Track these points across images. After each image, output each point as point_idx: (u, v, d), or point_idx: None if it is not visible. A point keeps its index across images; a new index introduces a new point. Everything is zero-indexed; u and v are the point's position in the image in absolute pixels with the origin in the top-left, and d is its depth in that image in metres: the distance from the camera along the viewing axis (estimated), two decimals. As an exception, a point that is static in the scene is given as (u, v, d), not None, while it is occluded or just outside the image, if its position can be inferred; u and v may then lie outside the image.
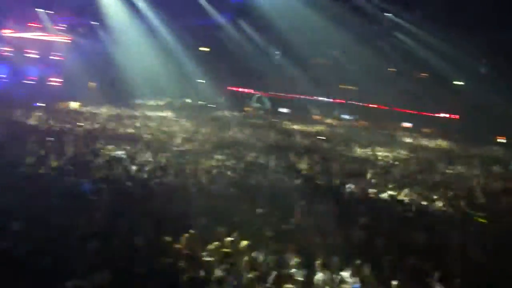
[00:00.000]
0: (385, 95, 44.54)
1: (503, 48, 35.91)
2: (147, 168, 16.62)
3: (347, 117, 51.66)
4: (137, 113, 37.33)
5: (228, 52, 47.02)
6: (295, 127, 41.25)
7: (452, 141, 39.53)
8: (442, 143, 39.36)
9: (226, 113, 45.24)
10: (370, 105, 49.10)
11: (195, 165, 18.12)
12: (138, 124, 30.23)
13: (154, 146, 21.68)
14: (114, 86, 40.50)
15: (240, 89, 54.49)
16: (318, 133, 37.02)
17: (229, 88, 52.96)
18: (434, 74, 42.83)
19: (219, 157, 20.68)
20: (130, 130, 27.09)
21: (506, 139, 41.66)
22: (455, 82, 43.28)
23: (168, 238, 9.65)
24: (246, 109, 53.14)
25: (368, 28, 42.05)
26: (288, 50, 45.61)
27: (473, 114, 39.55)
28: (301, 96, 51.83)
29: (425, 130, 46.26)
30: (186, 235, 9.87)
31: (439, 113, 45.97)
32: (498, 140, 41.81)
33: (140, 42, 42.72)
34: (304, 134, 35.90)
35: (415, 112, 46.75)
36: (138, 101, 44.22)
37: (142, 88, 43.00)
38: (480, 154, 33.03)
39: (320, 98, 51.56)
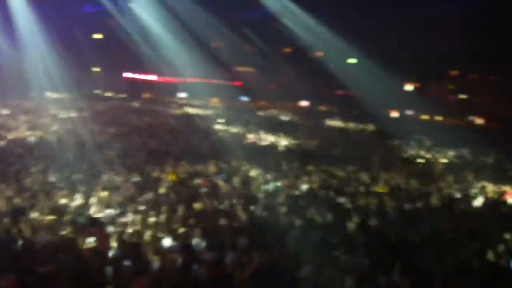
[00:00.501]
0: (282, 76, 44.72)
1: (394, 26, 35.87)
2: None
3: (244, 98, 50.49)
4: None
5: (123, 39, 45.57)
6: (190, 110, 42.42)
7: (348, 119, 39.39)
8: (337, 122, 38.91)
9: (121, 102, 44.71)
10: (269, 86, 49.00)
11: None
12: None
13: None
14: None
15: (138, 76, 53.56)
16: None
17: (126, 75, 51.30)
18: (328, 53, 42.22)
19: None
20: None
21: (399, 113, 43.37)
22: (349, 61, 43.45)
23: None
24: (144, 96, 52.39)
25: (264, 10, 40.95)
26: (184, 34, 44.23)
27: (367, 90, 39.28)
28: (199, 80, 51.09)
29: (322, 108, 46.50)
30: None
31: (336, 90, 45.97)
32: (392, 114, 41.97)
33: (33, 34, 39.60)
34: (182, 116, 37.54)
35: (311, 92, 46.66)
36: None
37: (39, 81, 41.06)
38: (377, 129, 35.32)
39: (219, 81, 50.54)
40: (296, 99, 49.45)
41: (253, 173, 19.21)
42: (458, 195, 18.40)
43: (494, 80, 43.48)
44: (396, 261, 9.72)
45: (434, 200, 16.70)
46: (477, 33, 34.73)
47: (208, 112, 42.22)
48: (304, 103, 49.21)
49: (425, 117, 43.13)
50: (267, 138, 29.34)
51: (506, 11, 32.55)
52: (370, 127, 37.65)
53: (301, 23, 40.79)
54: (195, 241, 10.69)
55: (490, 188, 20.00)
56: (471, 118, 43.31)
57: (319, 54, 45.45)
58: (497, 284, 9.63)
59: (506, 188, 20.06)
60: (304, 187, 17.29)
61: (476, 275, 9.96)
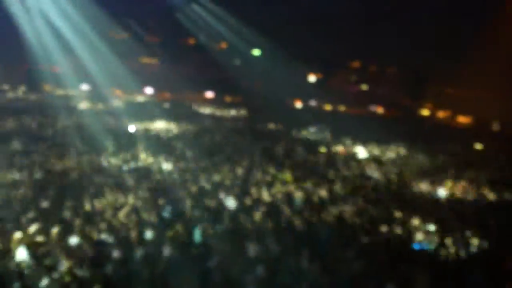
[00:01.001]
0: (186, 67, 44.06)
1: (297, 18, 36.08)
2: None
3: (150, 90, 49.14)
4: None
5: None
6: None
7: (252, 109, 39.48)
8: (242, 112, 38.87)
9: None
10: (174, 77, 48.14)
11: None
12: None
13: None
14: None
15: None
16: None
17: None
18: (232, 44, 42.25)
19: None
20: None
21: (302, 102, 43.43)
22: (253, 52, 43.48)
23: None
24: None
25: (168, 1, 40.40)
26: (85, 26, 42.20)
27: (272, 81, 39.58)
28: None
29: (227, 99, 46.35)
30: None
31: (241, 81, 45.84)
32: (296, 105, 42.61)
33: None
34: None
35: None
36: None
37: None
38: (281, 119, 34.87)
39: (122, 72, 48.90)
40: (201, 90, 49.06)
41: (160, 163, 18.95)
42: (360, 182, 18.91)
43: (392, 71, 45.10)
44: (303, 248, 9.86)
45: (338, 188, 17.03)
46: (376, 26, 35.88)
47: (113, 104, 41.06)
48: (209, 94, 48.90)
49: (328, 107, 44.04)
50: (174, 130, 28.93)
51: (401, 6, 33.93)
52: (274, 117, 37.99)
53: (206, 14, 40.50)
54: (103, 237, 10.37)
55: (393, 174, 20.72)
56: (372, 107, 44.67)
57: (224, 45, 45.35)
58: (398, 265, 9.94)
59: (408, 175, 20.88)
60: (216, 178, 17.20)
61: (378, 258, 10.26)
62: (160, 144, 23.44)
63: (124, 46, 44.69)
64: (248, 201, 14.39)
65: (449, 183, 19.79)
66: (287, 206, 14.12)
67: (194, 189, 15.37)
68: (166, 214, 12.63)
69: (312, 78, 45.08)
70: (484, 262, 11.23)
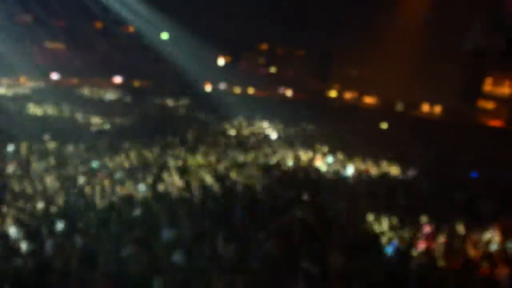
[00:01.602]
0: (93, 51, 42.70)
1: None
2: None
3: (57, 76, 47.56)
4: None
5: None
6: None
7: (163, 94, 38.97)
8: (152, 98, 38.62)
9: None
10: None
11: None
12: None
13: None
14: None
15: None
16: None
17: None
18: (139, 28, 41.48)
19: None
20: None
21: (212, 85, 43.24)
22: (162, 36, 42.80)
23: None
24: None
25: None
26: None
27: (181, 65, 39.19)
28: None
29: (136, 83, 45.34)
30: None
31: (150, 65, 45.03)
32: (206, 88, 42.24)
33: None
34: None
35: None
36: None
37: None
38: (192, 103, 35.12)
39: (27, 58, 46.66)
40: (110, 76, 47.79)
41: (68, 152, 18.35)
42: (273, 162, 19.15)
43: (300, 54, 45.75)
44: (219, 230, 9.86)
45: (252, 169, 17.15)
46: (284, 8, 36.24)
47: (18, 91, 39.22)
48: (118, 80, 47.72)
49: (237, 90, 44.13)
50: (84, 118, 28.09)
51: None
52: (185, 101, 37.66)
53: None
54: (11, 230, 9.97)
55: (302, 154, 21.08)
56: (281, 90, 45.16)
57: (131, 29, 44.43)
58: (314, 244, 10.12)
59: (313, 154, 21.32)
60: (125, 164, 16.89)
61: (295, 237, 10.43)
62: (68, 132, 22.75)
63: (28, 31, 42.90)
64: (160, 187, 14.24)
65: (356, 161, 20.39)
66: (200, 189, 14.08)
67: (103, 177, 15.00)
68: (76, 203, 12.28)
69: (221, 61, 44.97)
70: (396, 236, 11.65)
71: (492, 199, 15.58)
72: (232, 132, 26.20)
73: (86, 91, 41.04)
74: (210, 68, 41.07)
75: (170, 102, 37.20)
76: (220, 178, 15.70)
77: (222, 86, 44.30)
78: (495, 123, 36.65)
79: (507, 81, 37.05)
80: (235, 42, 40.73)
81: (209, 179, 15.30)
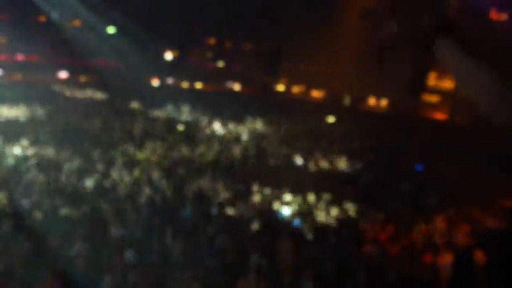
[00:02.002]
0: (38, 45, 41.44)
1: None
2: None
3: None
4: None
5: None
6: None
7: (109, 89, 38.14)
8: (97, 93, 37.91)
9: None
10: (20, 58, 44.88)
11: None
12: None
13: None
14: None
15: None
16: None
17: None
18: (86, 22, 40.53)
19: None
20: None
21: (160, 80, 42.82)
22: (108, 30, 41.98)
23: None
24: None
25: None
26: None
27: (128, 59, 38.49)
28: None
29: (82, 78, 44.36)
30: None
31: (96, 60, 44.03)
32: (153, 83, 41.69)
33: None
34: None
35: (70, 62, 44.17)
36: None
37: None
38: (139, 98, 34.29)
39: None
40: (54, 71, 46.57)
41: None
42: (221, 157, 19.09)
43: (248, 48, 45.69)
44: (167, 227, 9.78)
45: (200, 164, 17.03)
46: (231, 2, 36.14)
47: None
48: (63, 75, 46.57)
49: (185, 85, 43.74)
50: (26, 112, 27.33)
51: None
52: (132, 96, 37.10)
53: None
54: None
55: (251, 148, 21.08)
56: (229, 84, 45.04)
57: (77, 22, 43.46)
58: (262, 236, 10.13)
59: (261, 147, 21.39)
60: (74, 161, 16.44)
61: (242, 231, 10.41)
62: (10, 128, 22.06)
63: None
64: (108, 183, 13.97)
65: (304, 154, 20.52)
66: (148, 185, 13.88)
67: (52, 173, 14.59)
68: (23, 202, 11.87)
69: (168, 55, 44.49)
70: (344, 227, 11.76)
71: (436, 190, 15.93)
72: (180, 128, 25.93)
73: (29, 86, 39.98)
74: (157, 63, 40.55)
75: (117, 97, 36.58)
76: (168, 174, 15.51)
77: (170, 80, 43.83)
78: (439, 116, 37.55)
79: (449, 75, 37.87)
80: (182, 36, 40.34)
81: (157, 175, 15.09)
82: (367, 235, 11.28)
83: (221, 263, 8.86)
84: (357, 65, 35.91)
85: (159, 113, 30.04)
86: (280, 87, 44.55)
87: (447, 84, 38.14)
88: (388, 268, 9.17)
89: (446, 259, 9.43)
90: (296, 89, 44.30)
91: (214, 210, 12.23)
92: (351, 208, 13.47)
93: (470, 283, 6.76)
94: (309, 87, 43.32)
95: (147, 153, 18.44)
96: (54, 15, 42.03)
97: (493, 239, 8.19)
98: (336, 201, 13.89)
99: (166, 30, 37.58)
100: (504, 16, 30.45)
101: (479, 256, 8.52)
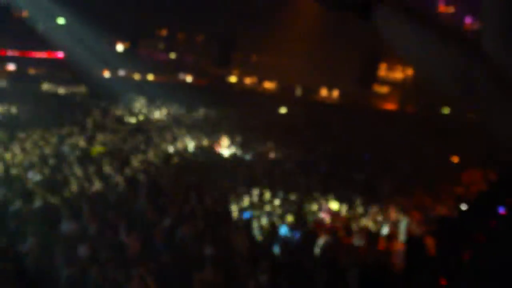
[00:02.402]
0: None
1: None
2: None
3: None
4: None
5: None
6: None
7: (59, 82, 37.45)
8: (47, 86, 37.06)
9: None
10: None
11: None
12: None
13: None
14: None
15: None
16: None
17: None
18: (34, 13, 39.60)
19: None
20: None
21: (110, 71, 42.30)
22: (58, 21, 41.07)
23: None
24: None
25: None
26: None
27: (78, 51, 37.83)
28: None
29: (31, 70, 43.46)
30: None
31: (46, 52, 43.01)
32: (104, 75, 41.21)
33: None
34: None
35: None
36: None
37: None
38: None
39: None
40: (2, 63, 45.26)
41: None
42: (174, 149, 18.98)
43: (200, 39, 45.42)
44: (122, 222, 9.69)
45: (152, 157, 16.89)
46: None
47: None
48: (10, 67, 45.32)
49: (137, 76, 43.19)
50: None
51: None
52: (83, 89, 36.43)
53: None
54: None
55: (205, 141, 21.02)
56: (181, 76, 44.71)
57: (25, 14, 42.34)
58: (217, 226, 10.13)
59: (215, 140, 21.33)
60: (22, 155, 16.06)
61: (197, 222, 10.37)
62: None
63: None
64: (59, 177, 13.70)
65: (256, 145, 20.61)
66: (100, 179, 13.70)
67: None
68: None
69: (119, 47, 43.81)
70: (299, 217, 11.86)
71: (387, 179, 16.23)
72: (132, 120, 25.64)
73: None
74: (108, 55, 39.85)
75: (66, 90, 35.94)
76: (121, 166, 15.32)
77: (121, 72, 43.20)
78: (390, 106, 38.28)
79: (399, 66, 38.77)
80: (133, 28, 39.77)
81: (109, 168, 14.89)
82: (321, 224, 11.41)
83: (177, 257, 8.81)
84: (309, 57, 36.18)
85: (111, 106, 29.58)
86: (232, 79, 44.51)
87: (397, 74, 38.93)
88: (342, 257, 9.29)
89: (399, 247, 9.63)
90: (248, 81, 44.35)
91: (168, 203, 12.16)
92: (305, 198, 13.60)
93: (422, 269, 6.93)
94: (261, 79, 43.45)
95: (98, 146, 18.16)
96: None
97: (444, 226, 8.40)
98: (290, 191, 13.99)
99: (117, 21, 36.97)
100: (451, 10, 31.15)
101: (430, 242, 8.73)
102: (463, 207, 12.15)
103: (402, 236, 10.02)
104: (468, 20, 29.38)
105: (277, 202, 13.05)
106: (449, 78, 1.29)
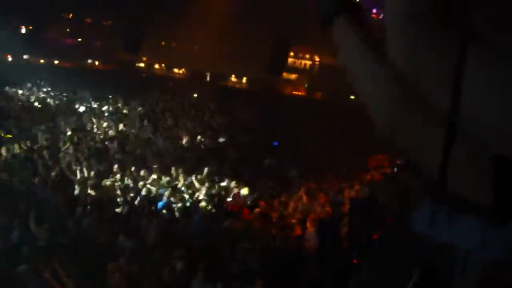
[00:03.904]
0: None
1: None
2: None
3: None
4: None
5: None
6: None
7: None
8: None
9: None
10: None
11: None
12: None
13: None
14: None
15: None
16: None
17: None
18: None
19: None
20: None
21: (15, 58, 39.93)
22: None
23: None
24: None
25: None
26: None
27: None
28: None
29: None
30: None
31: None
32: (7, 58, 39.46)
33: None
34: None
35: None
36: None
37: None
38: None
39: None
40: None
41: None
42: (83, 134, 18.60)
43: (108, 24, 44.38)
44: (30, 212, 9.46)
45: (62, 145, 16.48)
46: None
47: None
48: None
49: (42, 60, 41.58)
50: None
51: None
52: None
53: None
54: None
55: (113, 125, 20.71)
56: (88, 61, 43.56)
57: None
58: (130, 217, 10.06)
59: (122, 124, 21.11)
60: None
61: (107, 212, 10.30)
62: None
63: None
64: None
65: (166, 132, 20.52)
66: (7, 169, 13.27)
67: None
68: None
69: (23, 30, 41.95)
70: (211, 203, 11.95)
71: (297, 165, 16.59)
72: (38, 105, 24.76)
73: None
74: (11, 38, 38.02)
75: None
76: (28, 156, 14.85)
77: (25, 56, 41.42)
78: (298, 92, 39.15)
79: (306, 54, 39.66)
80: (38, 11, 38.11)
81: (16, 158, 14.39)
82: (232, 209, 11.53)
83: (89, 247, 8.72)
84: (218, 44, 36.30)
85: (14, 92, 28.35)
86: (141, 64, 43.91)
87: (305, 62, 39.80)
88: (252, 241, 9.43)
89: (310, 230, 9.89)
90: (157, 66, 43.91)
91: (78, 193, 11.94)
92: (215, 183, 13.69)
93: (334, 251, 7.20)
94: (170, 65, 43.14)
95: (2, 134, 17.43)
96: None
97: (354, 208, 8.71)
98: (201, 177, 14.04)
99: (20, 4, 35.37)
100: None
101: (340, 225, 9.03)
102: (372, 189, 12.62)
103: (312, 219, 10.29)
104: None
105: (189, 188, 13.07)
106: (382, 103, 1.38)
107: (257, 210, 11.40)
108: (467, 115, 1.19)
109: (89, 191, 12.03)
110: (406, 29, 1.27)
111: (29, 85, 30.44)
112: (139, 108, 25.97)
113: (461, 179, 1.28)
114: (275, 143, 21.66)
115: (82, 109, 25.00)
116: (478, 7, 1.22)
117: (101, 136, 19.15)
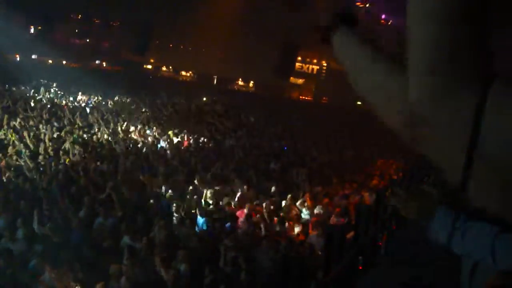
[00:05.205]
0: None
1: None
2: None
3: None
4: None
5: None
6: None
7: None
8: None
9: None
10: None
11: None
12: None
13: None
14: None
15: None
16: None
17: None
18: None
19: None
20: None
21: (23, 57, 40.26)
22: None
23: None
24: None
25: None
26: None
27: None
28: None
29: None
30: None
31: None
32: (15, 58, 39.47)
33: None
34: None
35: None
36: None
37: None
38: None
39: None
40: None
41: None
42: (89, 136, 18.59)
43: (116, 25, 44.49)
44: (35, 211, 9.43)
45: (67, 144, 16.45)
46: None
47: None
48: None
49: (50, 61, 41.69)
50: None
51: None
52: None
53: None
54: None
55: (119, 127, 20.71)
56: (97, 62, 43.68)
57: None
58: (136, 219, 10.05)
59: (129, 126, 21.15)
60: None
61: (113, 212, 10.28)
62: None
63: None
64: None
65: (172, 133, 20.55)
66: (12, 168, 13.29)
67: None
68: None
69: (32, 31, 42.06)
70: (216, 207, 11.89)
71: (302, 169, 16.54)
72: (46, 104, 24.77)
73: None
74: (20, 38, 38.05)
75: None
76: (34, 155, 14.82)
77: (34, 56, 41.54)
78: (304, 96, 39.20)
79: (314, 59, 39.70)
80: (47, 11, 38.18)
81: (21, 156, 14.38)
82: (238, 214, 11.48)
83: (94, 247, 8.70)
84: (226, 48, 36.39)
85: (22, 91, 28.38)
86: (148, 66, 44.03)
87: (312, 67, 39.82)
88: (259, 247, 9.38)
89: (316, 235, 9.85)
90: (165, 69, 44.00)
91: (84, 193, 11.90)
92: (222, 187, 13.62)
93: (340, 256, 7.17)
94: (178, 67, 43.24)
95: (9, 133, 17.40)
96: None
97: (360, 214, 8.69)
98: (208, 180, 14.00)
99: (30, 4, 35.45)
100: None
101: (347, 230, 9.00)
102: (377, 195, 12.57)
103: (318, 224, 10.26)
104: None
105: (195, 191, 13.00)
106: (392, 109, 1.38)
107: (260, 213, 11.35)
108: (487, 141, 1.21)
109: (95, 191, 11.99)
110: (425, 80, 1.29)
111: (36, 84, 30.47)
112: (145, 109, 26.07)
113: (480, 191, 1.30)
114: (285, 148, 21.64)
115: (89, 109, 25.04)
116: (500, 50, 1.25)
117: (109, 138, 19.18)
